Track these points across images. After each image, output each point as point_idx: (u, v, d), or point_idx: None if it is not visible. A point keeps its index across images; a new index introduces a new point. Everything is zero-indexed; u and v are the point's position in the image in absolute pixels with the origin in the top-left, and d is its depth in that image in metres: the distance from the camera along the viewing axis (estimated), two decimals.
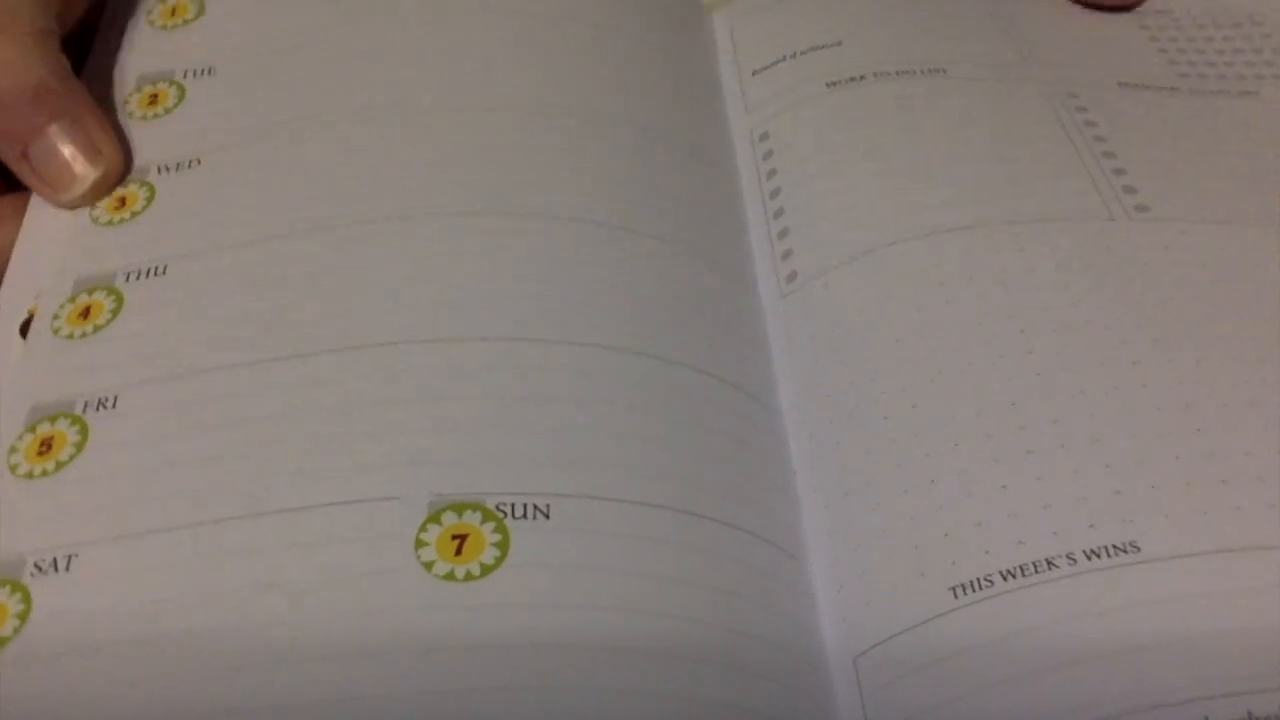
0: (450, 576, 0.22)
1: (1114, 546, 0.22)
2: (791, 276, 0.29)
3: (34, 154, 0.27)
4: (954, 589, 0.22)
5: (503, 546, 0.22)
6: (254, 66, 0.30)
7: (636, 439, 0.24)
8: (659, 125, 0.31)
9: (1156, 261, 0.27)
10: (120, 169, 0.28)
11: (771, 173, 0.31)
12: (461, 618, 0.21)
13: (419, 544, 0.22)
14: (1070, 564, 0.22)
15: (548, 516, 0.23)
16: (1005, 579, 0.22)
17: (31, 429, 0.24)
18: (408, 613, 0.21)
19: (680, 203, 0.29)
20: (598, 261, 0.27)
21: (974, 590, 0.22)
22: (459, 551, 0.22)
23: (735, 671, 0.22)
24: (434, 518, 0.22)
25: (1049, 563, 0.22)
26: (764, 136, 0.32)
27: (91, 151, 0.27)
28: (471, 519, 0.22)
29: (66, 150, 0.27)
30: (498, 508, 0.22)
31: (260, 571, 0.22)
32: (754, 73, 0.34)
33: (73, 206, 0.27)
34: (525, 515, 0.22)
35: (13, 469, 0.24)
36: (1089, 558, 0.22)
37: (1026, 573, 0.22)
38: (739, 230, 0.30)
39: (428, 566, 0.22)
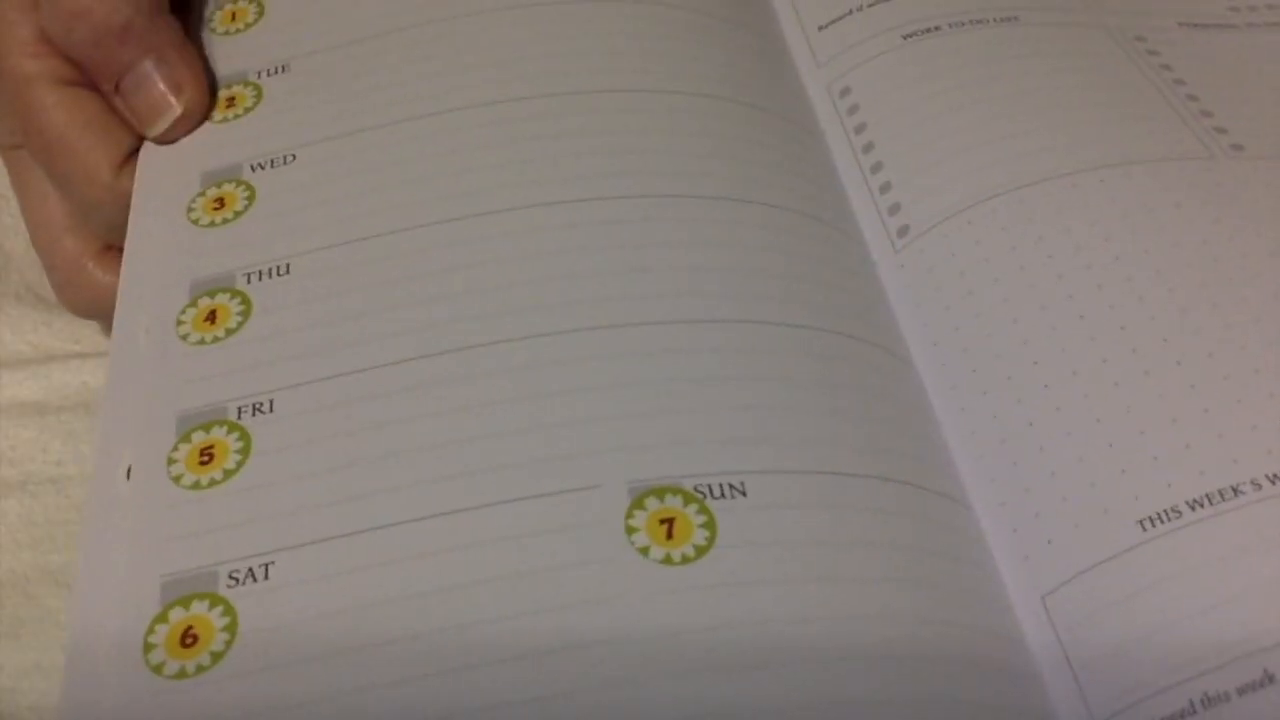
0: (668, 560, 0.22)
1: None
2: (903, 230, 0.29)
3: (125, 88, 0.28)
4: (1141, 522, 0.23)
5: (710, 527, 0.22)
6: (329, 61, 0.30)
7: (812, 409, 0.24)
8: (748, 92, 0.30)
9: (1268, 199, 0.28)
10: (203, 104, 0.29)
11: (860, 127, 0.31)
12: (686, 601, 0.21)
13: (629, 530, 0.22)
14: (1256, 490, 0.23)
15: (745, 494, 0.23)
16: (1193, 509, 0.23)
17: (186, 438, 0.23)
18: (633, 600, 0.21)
19: (790, 170, 0.29)
20: (749, 239, 0.27)
21: (1163, 522, 0.23)
22: (670, 535, 0.22)
23: (937, 626, 0.22)
24: (637, 503, 0.22)
25: (1235, 490, 0.23)
26: (845, 91, 0.32)
27: (175, 88, 0.28)
28: (674, 503, 0.22)
29: (158, 86, 0.28)
30: (695, 489, 0.22)
31: (468, 568, 0.21)
32: (820, 27, 0.34)
33: (160, 141, 0.28)
34: (724, 495, 0.22)
35: (176, 480, 0.22)
36: (1273, 482, 0.23)
37: (1214, 501, 0.23)
38: (839, 187, 0.30)
39: (643, 552, 0.22)
